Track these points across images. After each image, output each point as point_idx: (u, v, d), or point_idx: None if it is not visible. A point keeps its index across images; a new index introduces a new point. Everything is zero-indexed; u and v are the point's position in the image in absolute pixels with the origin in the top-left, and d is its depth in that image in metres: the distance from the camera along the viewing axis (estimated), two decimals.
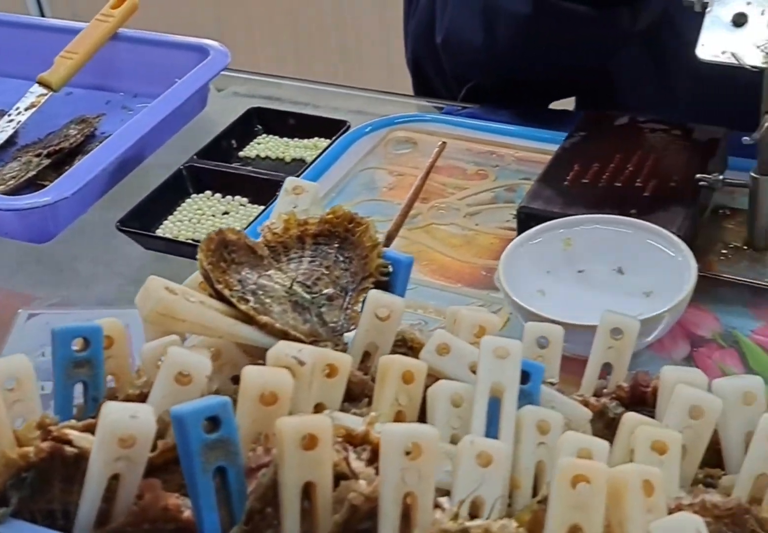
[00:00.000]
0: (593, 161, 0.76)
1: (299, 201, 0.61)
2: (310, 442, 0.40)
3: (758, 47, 0.62)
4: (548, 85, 0.96)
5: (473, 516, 0.43)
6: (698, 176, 0.69)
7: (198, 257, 0.51)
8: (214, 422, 0.40)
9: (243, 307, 0.50)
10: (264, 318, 0.50)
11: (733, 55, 0.62)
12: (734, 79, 0.69)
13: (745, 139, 0.62)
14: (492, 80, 0.95)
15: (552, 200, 0.72)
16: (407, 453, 0.40)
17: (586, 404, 0.53)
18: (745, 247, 0.71)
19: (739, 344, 0.66)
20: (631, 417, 0.49)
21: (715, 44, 0.63)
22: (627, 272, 0.67)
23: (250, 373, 0.42)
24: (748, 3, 0.63)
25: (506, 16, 0.87)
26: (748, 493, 0.45)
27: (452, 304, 0.69)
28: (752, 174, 0.68)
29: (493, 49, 0.90)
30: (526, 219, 0.71)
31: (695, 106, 0.90)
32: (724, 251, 0.71)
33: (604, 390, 0.54)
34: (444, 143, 0.86)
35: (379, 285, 0.57)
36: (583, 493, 0.40)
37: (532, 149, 0.85)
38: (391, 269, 0.57)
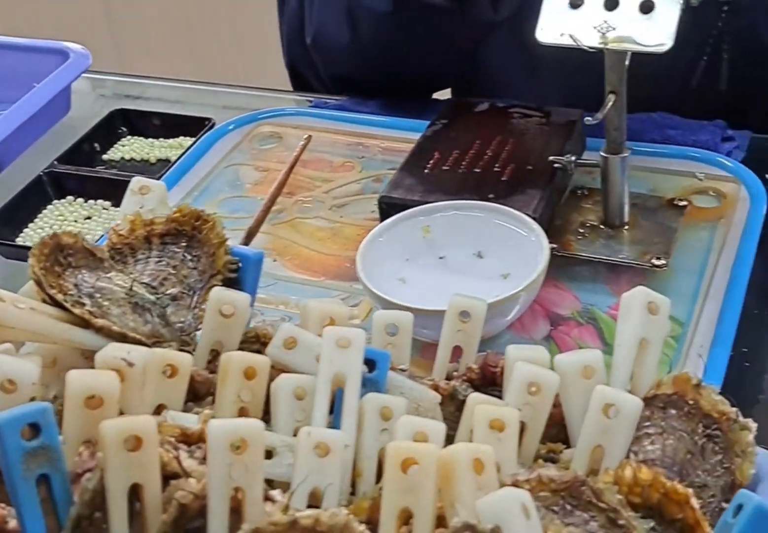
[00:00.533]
0: (454, 148, 0.76)
1: (145, 201, 0.60)
2: (134, 443, 0.40)
3: (595, 28, 0.63)
4: (420, 78, 0.97)
5: (314, 507, 0.43)
6: (551, 158, 0.71)
7: (29, 262, 0.50)
8: (35, 429, 0.40)
9: (77, 311, 0.49)
10: (100, 321, 0.49)
11: (572, 36, 0.63)
12: (592, 63, 0.70)
13: (588, 119, 0.64)
14: (363, 76, 0.96)
15: (412, 188, 0.73)
16: (237, 448, 0.40)
17: (436, 388, 0.53)
18: (602, 225, 0.73)
19: (596, 320, 0.67)
20: (474, 398, 0.49)
21: (554, 27, 0.64)
22: (486, 256, 0.68)
23: (73, 377, 0.42)
24: None
25: (368, 14, 0.88)
26: (586, 465, 0.46)
27: (315, 298, 0.69)
28: (602, 154, 0.69)
29: (359, 47, 0.91)
30: (388, 209, 0.72)
31: (563, 91, 0.92)
32: (581, 231, 0.73)
33: (455, 373, 0.55)
34: (309, 136, 0.85)
35: (229, 282, 0.57)
36: (414, 476, 0.40)
37: (398, 139, 0.85)
38: (239, 265, 0.58)
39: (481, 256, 0.68)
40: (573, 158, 0.70)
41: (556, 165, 0.71)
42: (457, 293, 0.55)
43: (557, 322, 0.68)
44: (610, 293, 0.69)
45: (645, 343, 0.51)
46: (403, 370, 0.55)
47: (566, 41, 0.62)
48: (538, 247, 0.65)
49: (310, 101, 0.98)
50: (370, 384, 0.51)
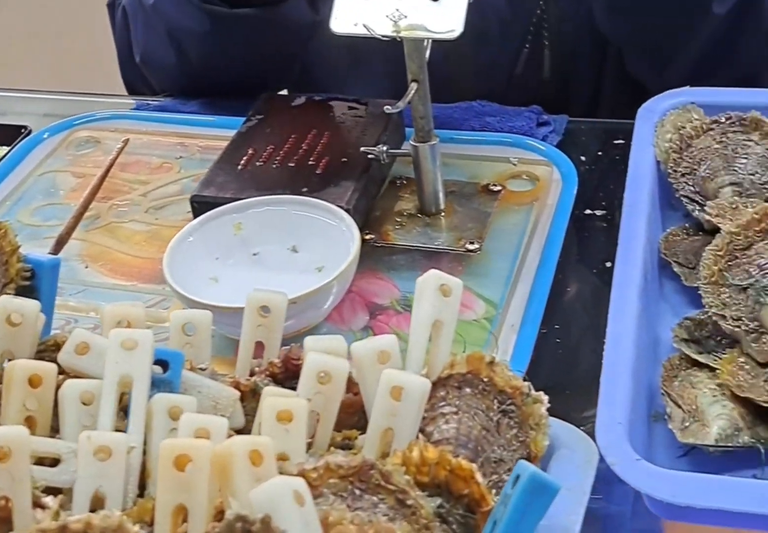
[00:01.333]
0: (268, 143, 0.76)
1: None
2: None
3: (387, 16, 0.64)
4: (251, 85, 0.96)
5: (96, 510, 0.43)
6: (363, 149, 0.71)
7: None
8: None
9: None
10: None
11: (365, 26, 0.64)
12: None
13: (387, 108, 0.65)
14: (194, 90, 0.95)
15: (224, 185, 0.72)
16: (2, 457, 0.40)
17: (237, 384, 0.53)
18: (419, 214, 0.74)
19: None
20: (267, 391, 0.49)
21: (348, 17, 0.64)
22: (301, 250, 0.69)
23: None
24: None
25: (189, 34, 0.88)
26: (377, 449, 0.47)
27: (127, 302, 0.68)
28: (411, 142, 0.71)
29: (187, 65, 0.91)
30: (200, 207, 0.71)
31: (388, 82, 0.93)
32: (399, 220, 0.74)
33: (257, 369, 0.55)
34: (126, 139, 0.84)
35: (24, 290, 0.56)
36: (187, 473, 0.40)
37: (218, 137, 0.84)
38: (33, 273, 0.56)
39: (296, 250, 0.69)
40: (385, 148, 0.71)
41: (369, 156, 0.72)
42: (258, 288, 0.55)
43: (376, 312, 0.68)
44: None
45: (439, 324, 0.52)
46: (202, 369, 0.55)
47: (360, 31, 0.63)
48: (351, 238, 0.66)
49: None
50: (162, 385, 0.50)
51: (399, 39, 0.63)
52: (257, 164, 0.74)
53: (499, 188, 0.76)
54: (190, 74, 0.91)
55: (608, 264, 0.73)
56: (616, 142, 0.85)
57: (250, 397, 0.53)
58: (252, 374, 0.55)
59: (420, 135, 0.70)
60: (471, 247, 0.70)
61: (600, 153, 0.85)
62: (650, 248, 0.71)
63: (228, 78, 0.91)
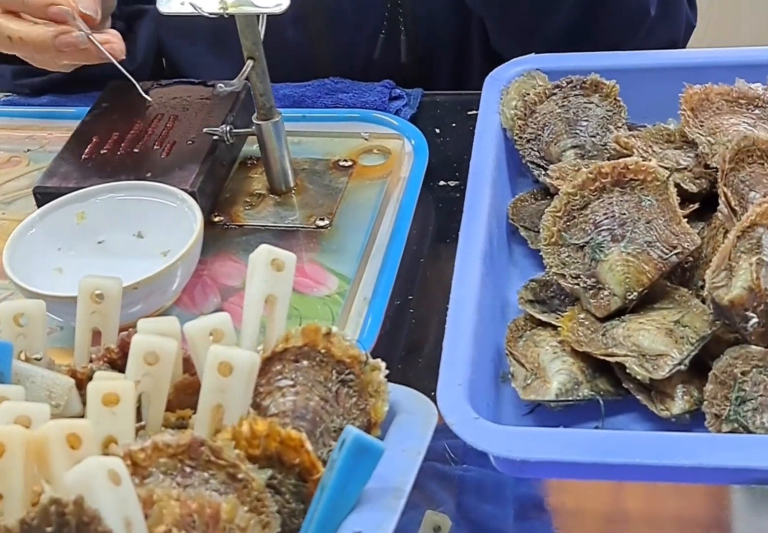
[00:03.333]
0: (113, 130, 0.76)
1: None
2: None
3: None
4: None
5: None
6: (206, 130, 0.71)
7: None
8: None
9: None
10: None
11: (192, 4, 0.64)
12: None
13: (221, 86, 0.65)
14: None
15: (68, 176, 0.71)
16: None
17: (73, 373, 0.53)
18: (269, 194, 0.74)
19: None
20: (98, 376, 0.49)
21: None
22: (147, 236, 0.68)
23: None
24: None
25: None
26: (209, 426, 0.47)
27: None
28: (254, 120, 0.71)
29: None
30: (43, 199, 0.70)
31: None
32: (248, 200, 0.74)
33: (94, 356, 0.55)
34: None
35: None
36: (2, 461, 0.40)
37: (67, 128, 0.83)
38: None
39: (141, 236, 0.68)
40: (228, 128, 0.71)
41: (214, 137, 0.72)
42: (88, 275, 0.54)
43: (229, 294, 0.68)
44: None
45: (272, 299, 0.52)
46: (37, 359, 0.54)
47: (188, 10, 0.63)
48: (194, 220, 0.66)
49: None
50: None
51: (227, 16, 0.63)
52: (102, 152, 0.73)
53: (350, 163, 0.77)
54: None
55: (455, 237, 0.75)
56: (470, 113, 0.87)
57: (80, 386, 0.53)
58: (91, 361, 0.55)
59: (262, 113, 0.70)
60: (321, 223, 0.71)
61: (454, 125, 0.86)
62: (497, 214, 0.72)
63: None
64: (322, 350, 0.52)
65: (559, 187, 0.68)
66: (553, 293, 0.65)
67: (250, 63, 0.66)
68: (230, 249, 0.71)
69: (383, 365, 0.52)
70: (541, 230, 0.64)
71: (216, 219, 0.72)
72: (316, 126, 0.81)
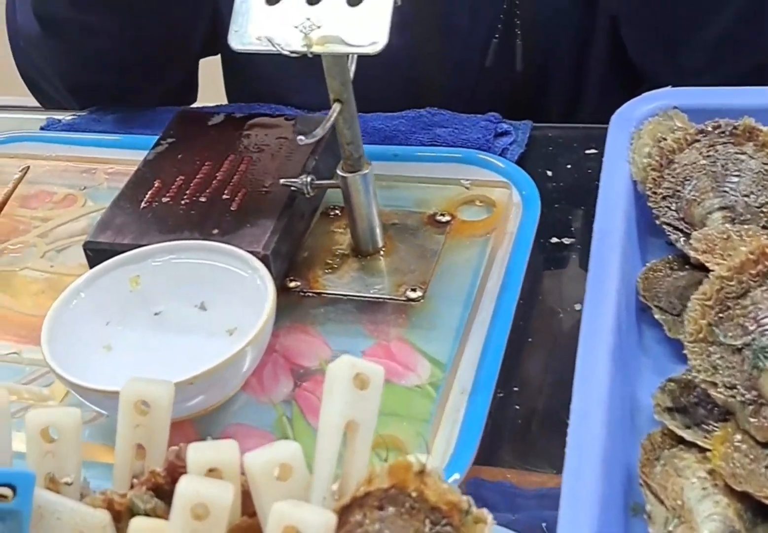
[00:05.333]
0: (178, 173, 0.66)
1: None
2: None
3: (297, 27, 0.54)
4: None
5: None
6: (283, 181, 0.61)
7: None
8: None
9: None
10: None
11: (269, 40, 0.53)
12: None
13: (301, 138, 0.54)
14: (97, 86, 0.85)
15: (124, 229, 0.62)
16: None
17: (110, 503, 0.44)
18: (352, 253, 0.64)
19: None
20: (134, 526, 0.40)
21: (249, 29, 0.54)
22: (210, 308, 0.58)
23: None
24: None
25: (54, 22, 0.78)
26: None
27: (6, 376, 0.59)
28: (339, 172, 0.60)
29: (68, 64, 0.82)
30: (95, 256, 0.61)
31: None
32: (330, 262, 0.63)
33: (134, 480, 0.45)
34: (26, 167, 0.75)
35: None
36: None
37: (128, 161, 0.74)
38: None
39: (204, 308, 0.59)
40: (309, 179, 0.61)
41: (292, 188, 0.62)
42: (134, 377, 0.45)
43: (303, 377, 0.58)
44: (365, 335, 0.60)
45: (353, 425, 0.42)
46: (68, 484, 0.45)
47: (264, 46, 0.53)
48: (266, 293, 0.56)
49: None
50: (9, 517, 0.41)
51: (311, 55, 0.53)
52: (163, 200, 0.64)
53: (448, 217, 0.66)
54: (73, 62, 0.81)
55: (578, 307, 0.64)
56: (588, 152, 0.76)
57: (127, 518, 0.44)
58: (132, 486, 0.46)
59: (349, 163, 0.60)
60: (413, 295, 0.60)
61: (569, 166, 0.74)
62: (626, 287, 0.61)
63: (114, 58, 0.80)
64: (413, 494, 0.41)
65: (706, 263, 0.57)
66: (698, 399, 0.53)
67: (336, 107, 0.56)
68: (306, 320, 0.61)
69: (489, 517, 0.41)
70: (686, 322, 0.53)
71: (291, 284, 0.62)
72: (410, 168, 0.71)
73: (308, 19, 0.52)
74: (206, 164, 0.66)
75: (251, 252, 0.59)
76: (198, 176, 0.65)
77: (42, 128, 0.83)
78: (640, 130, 0.66)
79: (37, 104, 0.93)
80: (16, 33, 0.86)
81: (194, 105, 0.93)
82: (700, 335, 0.52)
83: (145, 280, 0.58)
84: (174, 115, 0.71)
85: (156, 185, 0.65)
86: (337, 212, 0.67)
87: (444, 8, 0.84)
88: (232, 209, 0.63)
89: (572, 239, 0.68)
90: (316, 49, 0.52)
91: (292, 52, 0.52)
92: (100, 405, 0.52)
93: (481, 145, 0.72)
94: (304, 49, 0.52)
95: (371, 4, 0.52)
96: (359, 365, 0.42)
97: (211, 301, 0.58)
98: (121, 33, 0.78)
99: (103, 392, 0.50)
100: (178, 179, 0.65)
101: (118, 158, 0.75)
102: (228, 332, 0.57)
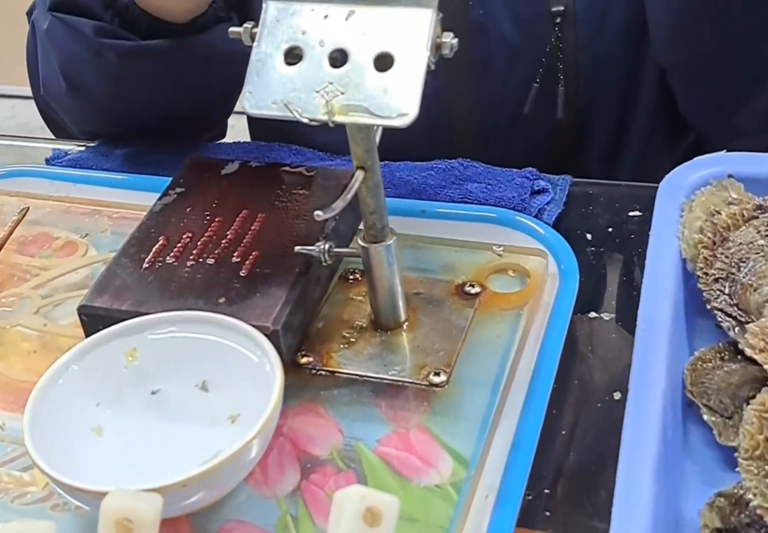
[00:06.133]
0: (186, 229, 0.61)
1: None
2: None
3: (318, 92, 0.49)
4: (190, 123, 0.82)
5: None
6: (297, 249, 0.56)
7: None
8: None
9: None
10: None
11: (287, 105, 0.48)
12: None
13: (318, 214, 0.49)
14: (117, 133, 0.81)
15: (122, 293, 0.57)
16: None
17: None
18: (372, 326, 0.59)
19: (360, 462, 0.53)
20: None
21: (265, 92, 0.49)
22: (212, 389, 0.53)
23: None
24: (304, 32, 0.50)
25: (86, 71, 0.73)
26: None
27: None
28: (360, 243, 0.55)
29: (91, 108, 0.77)
30: (91, 322, 0.56)
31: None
32: (347, 335, 0.58)
33: None
34: (25, 208, 0.70)
35: None
36: None
37: (135, 206, 0.70)
38: None
39: (206, 389, 0.53)
40: (326, 247, 0.56)
41: (308, 253, 0.57)
42: (116, 488, 0.40)
43: (311, 468, 0.53)
44: (382, 420, 0.55)
45: None
46: None
47: (281, 112, 0.48)
48: (272, 377, 0.51)
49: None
50: None
51: (332, 124, 0.48)
52: (167, 260, 0.59)
53: (477, 289, 0.61)
54: (98, 119, 0.77)
55: (617, 396, 0.59)
56: (631, 214, 0.70)
57: None
58: None
59: (371, 233, 0.54)
60: (436, 380, 0.55)
61: (611, 230, 0.69)
62: (672, 378, 0.56)
63: (145, 121, 0.76)
64: None
65: (763, 363, 0.51)
66: (750, 519, 0.48)
67: (359, 175, 0.51)
68: (317, 401, 0.56)
69: None
70: (741, 435, 0.48)
71: (303, 360, 0.57)
72: (439, 226, 0.65)
73: (331, 83, 0.47)
74: (216, 219, 0.62)
75: (260, 327, 0.54)
76: (206, 234, 0.60)
77: (47, 160, 0.79)
78: (691, 202, 0.61)
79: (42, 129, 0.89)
80: (35, 72, 0.81)
81: None
82: (757, 452, 0.47)
83: (143, 354, 0.53)
84: (185, 163, 0.66)
85: (161, 242, 0.60)
86: (358, 276, 0.62)
87: (480, 47, 0.78)
88: (241, 274, 0.58)
89: (612, 315, 0.62)
90: (339, 118, 0.47)
91: (311, 119, 0.47)
92: (84, 502, 0.47)
93: (517, 205, 0.66)
94: (325, 117, 0.47)
95: (402, 69, 0.47)
96: (371, 497, 0.38)
97: (213, 381, 0.53)
98: (154, 102, 0.74)
99: (86, 492, 0.45)
100: (184, 235, 0.60)
101: (124, 202, 0.70)
102: (230, 419, 0.52)
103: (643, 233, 0.65)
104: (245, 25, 0.50)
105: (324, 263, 0.56)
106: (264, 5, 0.49)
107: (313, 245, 0.56)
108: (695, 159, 0.63)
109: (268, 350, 0.51)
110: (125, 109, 0.75)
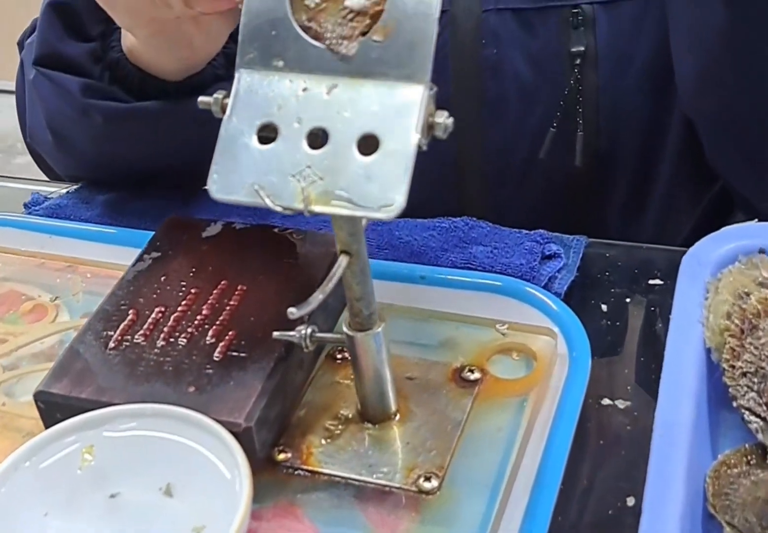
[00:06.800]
0: (157, 302, 0.56)
1: None
2: None
3: (294, 177, 0.43)
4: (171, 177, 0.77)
5: None
6: (276, 334, 0.51)
7: None
8: None
9: None
10: None
11: (258, 191, 0.43)
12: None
13: (292, 311, 0.44)
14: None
15: (84, 378, 0.52)
16: None
17: None
18: (359, 417, 0.53)
19: None
20: None
21: (233, 175, 0.44)
22: (177, 495, 0.48)
23: None
24: (280, 107, 0.44)
25: (72, 129, 0.69)
26: None
27: None
28: (346, 331, 0.50)
29: (76, 162, 0.74)
30: (49, 409, 0.51)
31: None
32: (330, 427, 0.53)
33: None
34: None
35: None
36: None
37: (114, 265, 0.65)
38: None
39: (170, 494, 0.48)
40: (309, 331, 0.50)
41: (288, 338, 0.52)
42: None
43: None
44: (368, 529, 0.50)
45: None
46: None
47: (251, 198, 0.43)
48: (240, 489, 0.46)
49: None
50: None
51: (309, 214, 0.42)
52: (135, 339, 0.54)
53: (477, 375, 0.55)
54: (84, 169, 0.72)
55: (631, 501, 0.53)
56: (652, 282, 0.64)
57: None
58: None
59: (357, 321, 0.49)
60: (427, 486, 0.49)
61: (628, 300, 0.63)
62: (693, 484, 0.50)
63: (133, 173, 0.71)
64: None
65: None
66: None
67: (343, 261, 0.46)
68: (294, 503, 0.50)
69: None
70: None
71: (280, 457, 0.51)
72: (438, 295, 0.60)
73: (309, 166, 0.42)
74: (192, 291, 0.56)
75: (231, 423, 0.48)
76: (180, 308, 0.55)
77: (25, 205, 0.74)
78: (717, 281, 0.55)
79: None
80: (24, 115, 0.77)
81: None
82: None
83: (101, 453, 0.48)
84: (164, 223, 0.61)
85: (130, 317, 0.55)
86: (347, 355, 0.56)
87: (493, 88, 0.73)
88: (215, 357, 0.52)
89: (627, 403, 0.56)
90: (316, 208, 0.41)
91: (285, 208, 0.42)
92: None
93: (525, 273, 0.61)
94: (301, 205, 0.42)
95: (388, 153, 0.41)
96: None
97: (178, 485, 0.48)
98: (144, 159, 0.70)
99: None
100: (156, 310, 0.55)
101: (99, 261, 0.65)
102: (194, 531, 0.47)
103: (665, 304, 0.59)
104: (216, 94, 0.44)
105: (305, 349, 0.51)
106: (236, 74, 0.44)
107: (294, 328, 0.51)
108: (722, 230, 0.58)
109: (239, 459, 0.46)
110: (113, 165, 0.71)
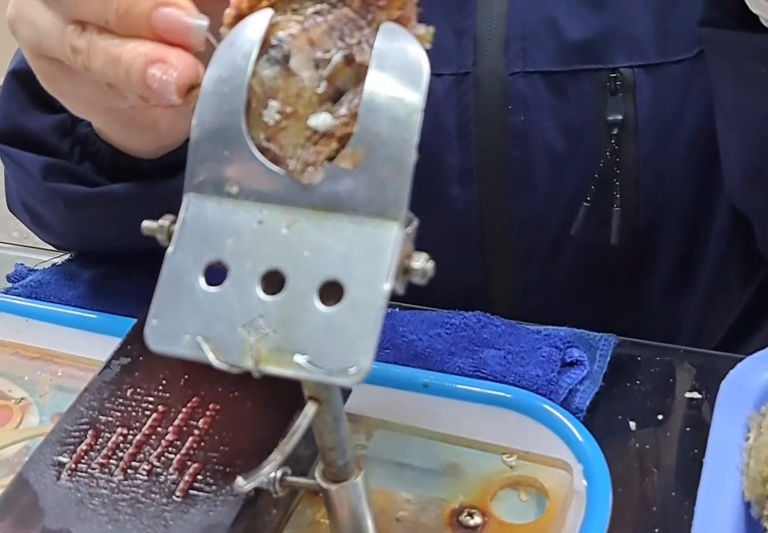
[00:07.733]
0: (121, 421, 0.50)
1: None
2: None
3: (243, 328, 0.37)
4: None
5: None
6: (238, 482, 0.44)
7: None
8: None
9: None
10: None
11: (199, 343, 0.37)
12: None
13: (239, 484, 0.38)
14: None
15: (29, 516, 0.45)
16: None
17: None
18: None
19: None
20: None
21: (176, 320, 0.38)
22: None
23: None
24: (231, 242, 0.38)
25: (43, 211, 0.65)
26: None
27: None
28: (320, 482, 0.44)
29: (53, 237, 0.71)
30: None
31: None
32: None
33: None
34: None
35: None
36: None
37: (82, 360, 0.59)
38: None
39: None
40: (278, 474, 0.44)
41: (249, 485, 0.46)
42: None
43: None
44: None
45: None
46: None
47: (191, 351, 0.37)
48: None
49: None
50: None
51: (258, 374, 0.36)
52: (91, 468, 0.47)
53: (478, 519, 0.48)
54: (64, 243, 0.68)
55: None
56: (689, 396, 0.57)
57: None
58: None
59: (331, 471, 0.43)
60: None
61: (660, 417, 0.56)
62: None
63: (115, 251, 0.66)
64: None
65: None
66: None
67: (310, 409, 0.39)
68: None
69: None
70: None
71: None
72: (440, 408, 0.53)
73: (261, 316, 0.36)
74: (159, 408, 0.50)
75: None
76: (144, 430, 0.49)
77: (8, 277, 0.70)
78: (761, 418, 0.48)
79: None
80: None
81: None
82: None
83: None
84: (137, 321, 0.56)
85: (88, 440, 0.49)
86: None
87: (521, 158, 0.66)
88: (176, 496, 0.46)
89: None
90: (266, 367, 0.35)
91: (231, 366, 0.36)
92: None
93: (541, 386, 0.54)
94: (249, 363, 0.35)
95: (353, 305, 0.35)
96: None
97: None
98: (121, 240, 0.64)
99: None
100: (118, 431, 0.49)
101: (73, 355, 0.60)
102: None
103: (702, 425, 0.52)
104: (161, 220, 0.38)
105: (275, 495, 0.45)
106: (184, 199, 0.38)
107: (260, 473, 0.44)
108: (763, 352, 0.50)
109: None
110: (91, 244, 0.66)
